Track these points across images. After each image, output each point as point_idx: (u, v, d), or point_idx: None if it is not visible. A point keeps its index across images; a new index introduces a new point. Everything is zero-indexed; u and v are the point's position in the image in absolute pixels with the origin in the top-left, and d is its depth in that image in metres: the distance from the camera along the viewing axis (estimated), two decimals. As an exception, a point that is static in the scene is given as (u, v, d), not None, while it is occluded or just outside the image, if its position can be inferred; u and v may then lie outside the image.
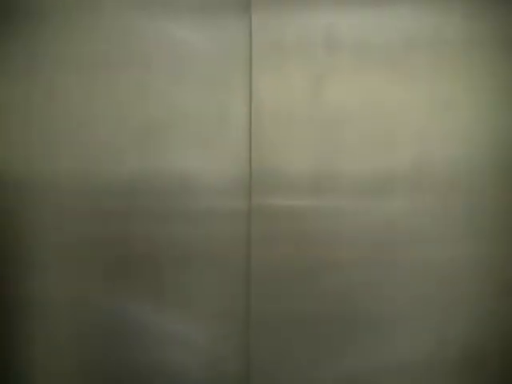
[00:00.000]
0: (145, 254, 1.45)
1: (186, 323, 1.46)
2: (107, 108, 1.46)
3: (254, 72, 1.41)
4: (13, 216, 1.50)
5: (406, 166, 1.42)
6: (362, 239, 1.43)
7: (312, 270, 1.42)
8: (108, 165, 1.45)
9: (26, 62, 1.48)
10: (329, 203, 1.42)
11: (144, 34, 1.46)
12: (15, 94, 1.47)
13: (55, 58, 1.47)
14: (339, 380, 1.46)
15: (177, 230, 1.44)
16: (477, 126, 1.43)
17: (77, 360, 1.50)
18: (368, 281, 1.43)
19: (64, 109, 1.46)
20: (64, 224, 1.47)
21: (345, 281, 1.42)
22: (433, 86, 1.42)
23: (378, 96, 1.41)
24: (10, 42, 1.47)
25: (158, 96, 1.43)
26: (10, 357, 1.52)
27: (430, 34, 1.42)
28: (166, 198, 1.43)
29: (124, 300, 1.47)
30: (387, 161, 1.42)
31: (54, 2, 1.48)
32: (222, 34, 1.44)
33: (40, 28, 1.48)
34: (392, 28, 1.42)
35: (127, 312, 1.47)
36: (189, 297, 1.45)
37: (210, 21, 1.44)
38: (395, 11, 1.42)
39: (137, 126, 1.44)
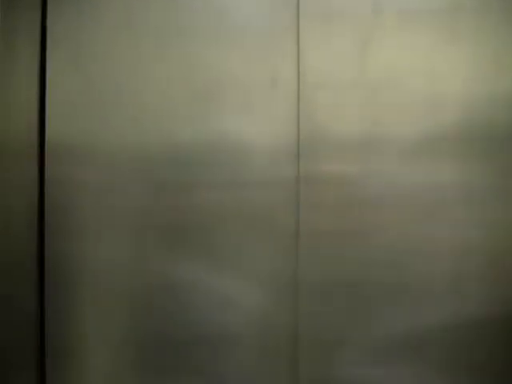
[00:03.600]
0: (198, 221, 1.48)
1: (239, 286, 1.48)
2: (159, 76, 1.51)
3: (301, 38, 1.45)
4: (68, 186, 1.53)
5: (453, 129, 1.43)
6: (410, 203, 1.42)
7: (360, 235, 1.43)
8: (161, 135, 1.49)
9: (84, 30, 1.53)
10: (377, 167, 1.42)
11: (195, 5, 1.50)
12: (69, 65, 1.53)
13: (112, 26, 1.51)
14: (382, 340, 1.45)
15: (227, 198, 1.46)
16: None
17: (133, 324, 1.51)
18: (415, 245, 1.43)
19: (118, 79, 1.51)
20: (118, 193, 1.51)
21: (392, 245, 1.42)
22: (478, 49, 1.45)
23: (424, 59, 1.42)
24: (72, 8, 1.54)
25: (208, 65, 1.48)
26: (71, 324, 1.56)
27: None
28: (215, 167, 1.46)
29: (179, 265, 1.50)
30: (435, 124, 1.41)
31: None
32: (269, 1, 1.49)
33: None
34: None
35: (183, 276, 1.49)
36: (240, 261, 1.47)
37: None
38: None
39: (188, 94, 1.47)
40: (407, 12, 1.46)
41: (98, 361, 1.55)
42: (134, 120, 1.52)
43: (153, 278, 1.51)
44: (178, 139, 1.50)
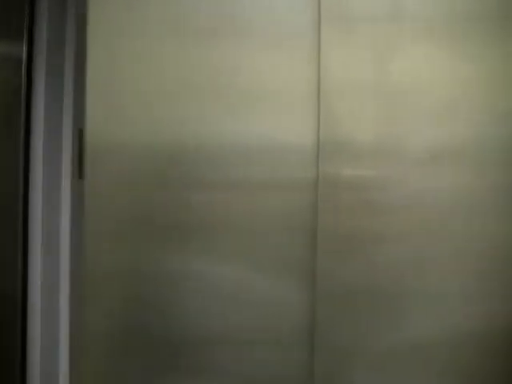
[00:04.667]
0: (218, 221, 1.44)
1: (257, 286, 1.46)
2: (187, 78, 1.43)
3: (322, 43, 1.42)
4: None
5: (471, 138, 1.45)
6: (427, 209, 1.45)
7: (377, 240, 1.44)
8: (186, 135, 1.43)
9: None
10: (394, 173, 1.44)
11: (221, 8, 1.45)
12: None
13: (155, 22, 1.43)
14: (397, 340, 1.46)
15: (245, 199, 1.43)
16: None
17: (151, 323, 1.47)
18: (432, 251, 1.44)
19: (157, 73, 1.43)
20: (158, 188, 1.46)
21: (409, 252, 1.44)
22: (499, 59, 1.46)
23: (444, 67, 1.44)
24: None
25: (232, 68, 1.42)
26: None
27: (493, 7, 1.46)
28: (233, 167, 1.43)
29: (199, 264, 1.46)
30: (453, 132, 1.44)
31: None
32: (290, 4, 1.44)
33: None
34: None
35: (194, 273, 1.46)
36: (258, 263, 1.45)
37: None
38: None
39: (214, 96, 1.42)
40: (428, 19, 1.46)
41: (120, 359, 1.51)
42: (165, 120, 1.46)
43: (161, 273, 1.47)
44: (202, 141, 1.45)
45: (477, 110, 1.47)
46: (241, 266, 1.46)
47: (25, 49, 1.55)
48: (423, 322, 1.47)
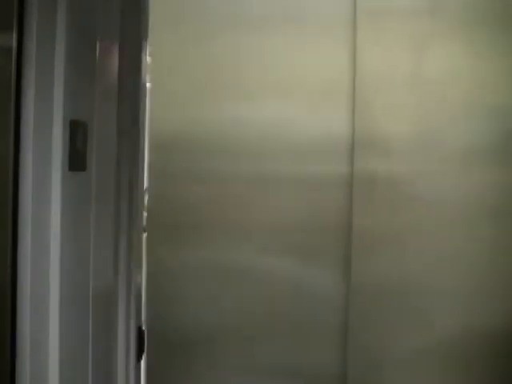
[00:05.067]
0: (256, 216, 1.44)
1: (298, 278, 1.46)
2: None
3: (358, 37, 1.45)
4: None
5: (508, 137, 1.49)
6: (463, 205, 1.49)
7: (411, 235, 1.48)
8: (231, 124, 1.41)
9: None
10: (429, 168, 1.47)
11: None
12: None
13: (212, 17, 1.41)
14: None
15: (281, 195, 1.45)
16: None
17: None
18: (467, 247, 1.48)
19: (209, 61, 1.41)
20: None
21: (443, 247, 1.48)
22: None
23: (482, 62, 1.47)
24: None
25: (271, 60, 1.42)
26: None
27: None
28: (268, 162, 1.44)
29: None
30: (489, 130, 1.48)
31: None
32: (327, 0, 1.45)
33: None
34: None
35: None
36: (291, 257, 1.45)
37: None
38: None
39: (258, 88, 1.42)
40: (466, 13, 1.48)
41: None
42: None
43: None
44: (246, 131, 1.45)
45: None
46: (273, 260, 1.48)
47: (14, 36, 1.51)
48: (456, 319, 1.51)
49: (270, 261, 1.49)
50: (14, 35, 1.51)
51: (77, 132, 1.51)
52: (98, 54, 1.74)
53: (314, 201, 1.48)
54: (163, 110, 1.44)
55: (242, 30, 1.43)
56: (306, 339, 1.49)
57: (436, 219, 1.52)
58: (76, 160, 1.52)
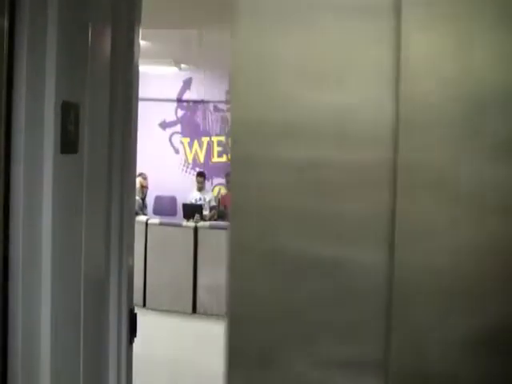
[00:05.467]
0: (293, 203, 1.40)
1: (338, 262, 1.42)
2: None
3: (403, 29, 1.42)
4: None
5: None
6: (501, 196, 1.45)
7: (454, 224, 1.45)
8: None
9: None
10: (471, 159, 1.44)
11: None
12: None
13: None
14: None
15: (322, 179, 1.42)
16: None
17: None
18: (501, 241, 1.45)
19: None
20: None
21: (487, 235, 1.45)
22: None
23: None
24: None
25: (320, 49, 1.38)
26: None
27: None
28: (312, 147, 1.41)
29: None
30: None
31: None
32: None
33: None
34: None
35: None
36: (337, 243, 1.42)
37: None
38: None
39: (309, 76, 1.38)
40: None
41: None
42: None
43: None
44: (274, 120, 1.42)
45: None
46: (326, 246, 1.45)
47: (6, 16, 1.50)
48: (507, 304, 1.47)
49: (318, 246, 1.48)
50: (6, 16, 1.50)
51: (69, 113, 1.50)
52: (90, 37, 1.73)
53: (357, 184, 1.46)
54: (245, 97, 1.41)
55: (325, 18, 1.41)
56: (351, 327, 1.48)
57: (477, 209, 1.50)
58: (68, 142, 1.51)
